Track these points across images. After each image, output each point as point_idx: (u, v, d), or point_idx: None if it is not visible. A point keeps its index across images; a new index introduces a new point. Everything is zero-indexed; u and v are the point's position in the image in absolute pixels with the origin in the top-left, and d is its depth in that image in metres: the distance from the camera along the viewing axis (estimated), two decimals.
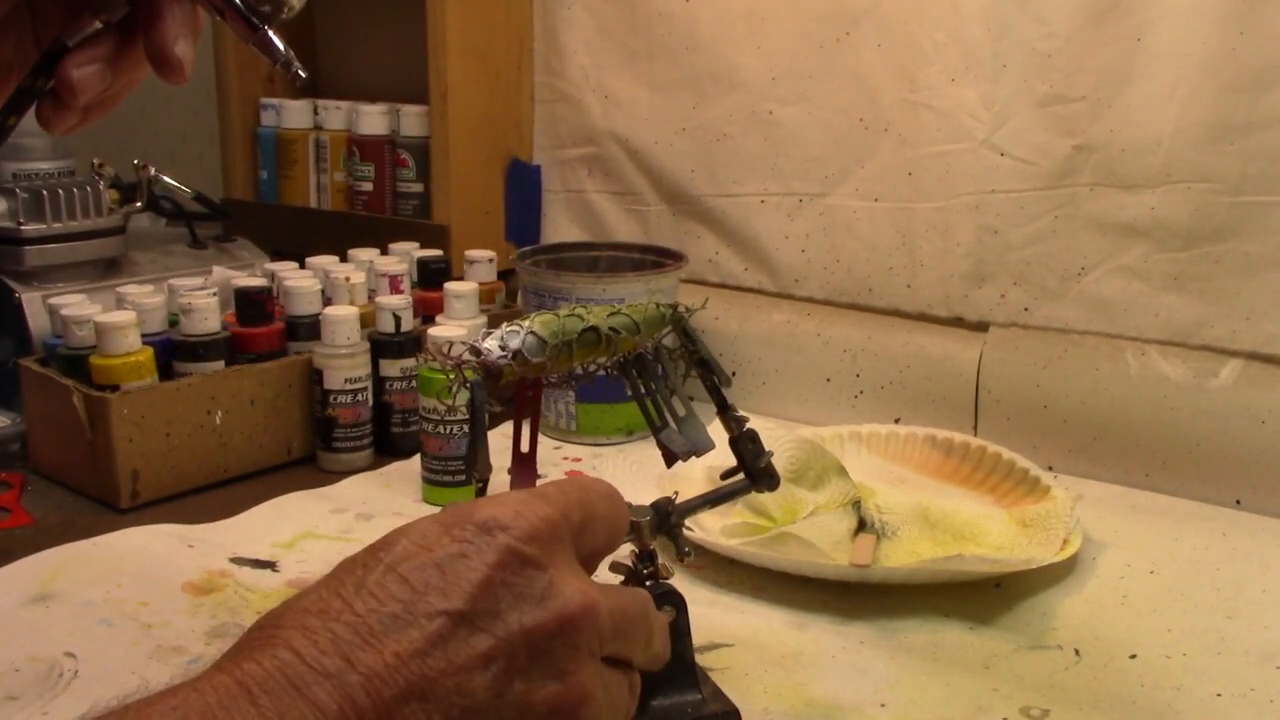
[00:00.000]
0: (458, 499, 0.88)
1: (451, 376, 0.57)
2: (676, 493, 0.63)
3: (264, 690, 0.37)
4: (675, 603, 0.60)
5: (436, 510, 0.83)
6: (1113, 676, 0.67)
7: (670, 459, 0.63)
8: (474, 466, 0.58)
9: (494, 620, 0.40)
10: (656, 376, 0.62)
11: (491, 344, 0.57)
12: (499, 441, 0.63)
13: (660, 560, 0.61)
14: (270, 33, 0.54)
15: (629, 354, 0.62)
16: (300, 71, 0.56)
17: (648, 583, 0.61)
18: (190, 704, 0.36)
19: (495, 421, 1.00)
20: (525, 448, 0.64)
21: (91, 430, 0.88)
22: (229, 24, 0.53)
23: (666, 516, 0.61)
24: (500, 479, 0.63)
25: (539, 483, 0.94)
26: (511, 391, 0.61)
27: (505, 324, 0.58)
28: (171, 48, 0.52)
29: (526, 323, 0.58)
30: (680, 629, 0.61)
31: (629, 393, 0.64)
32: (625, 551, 0.61)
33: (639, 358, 0.62)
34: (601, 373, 0.62)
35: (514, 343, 0.57)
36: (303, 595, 0.41)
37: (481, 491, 0.58)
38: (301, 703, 0.37)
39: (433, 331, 0.94)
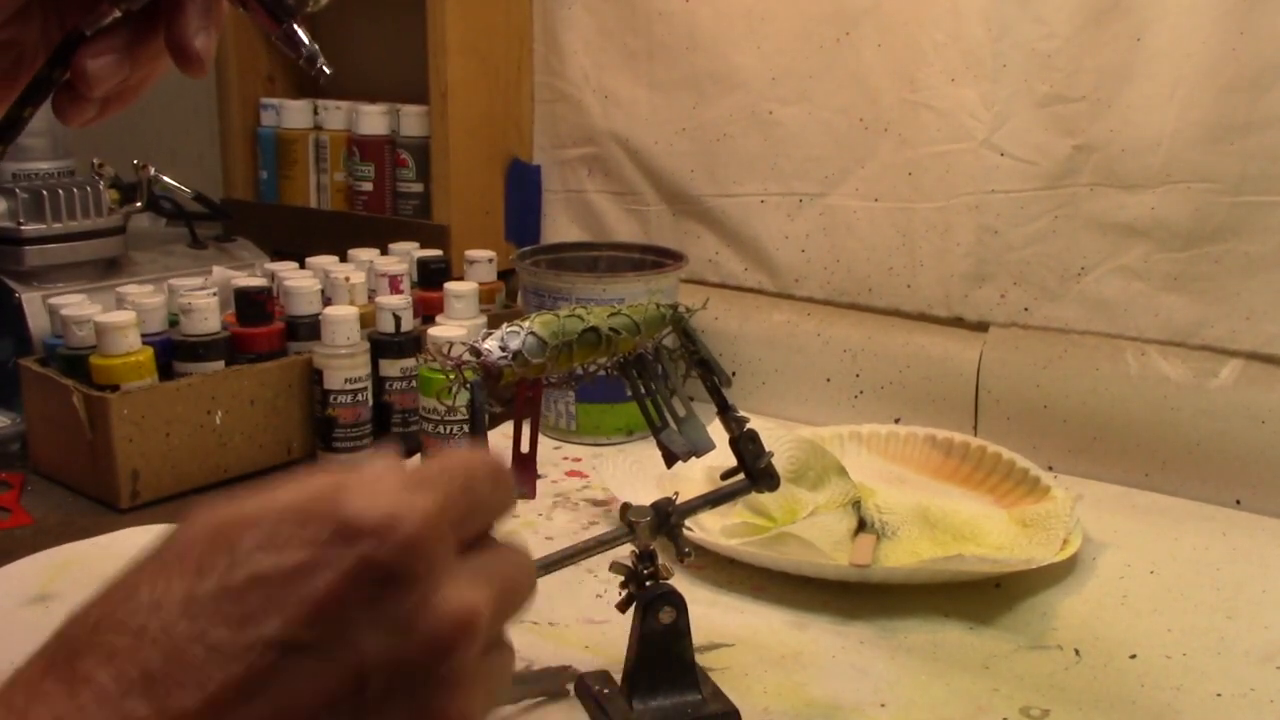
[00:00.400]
0: None
1: (451, 377, 0.57)
2: (676, 493, 0.63)
3: (72, 711, 0.31)
4: (675, 603, 0.60)
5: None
6: (1113, 676, 0.67)
7: (670, 459, 0.63)
8: None
9: (343, 649, 0.33)
10: (657, 377, 0.62)
11: (491, 344, 0.57)
12: (499, 442, 0.63)
13: (660, 560, 0.61)
14: (296, 26, 0.53)
15: (629, 354, 0.62)
16: (325, 68, 0.54)
17: (648, 583, 0.61)
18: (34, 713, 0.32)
19: (495, 422, 1.00)
20: (525, 448, 0.64)
21: (91, 430, 0.88)
22: (252, 16, 0.52)
23: (666, 517, 0.61)
24: None
25: (539, 484, 0.94)
26: (511, 392, 0.61)
27: (505, 324, 0.58)
28: (192, 40, 0.50)
29: (526, 323, 0.58)
30: (680, 629, 0.61)
31: (629, 393, 0.64)
32: (626, 552, 0.61)
33: (639, 358, 0.62)
34: (602, 373, 0.62)
35: (514, 343, 0.57)
36: (124, 588, 0.34)
37: None
38: None
39: (433, 331, 0.94)
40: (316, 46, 0.54)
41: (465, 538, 0.37)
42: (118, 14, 0.52)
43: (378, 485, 0.35)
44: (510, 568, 0.38)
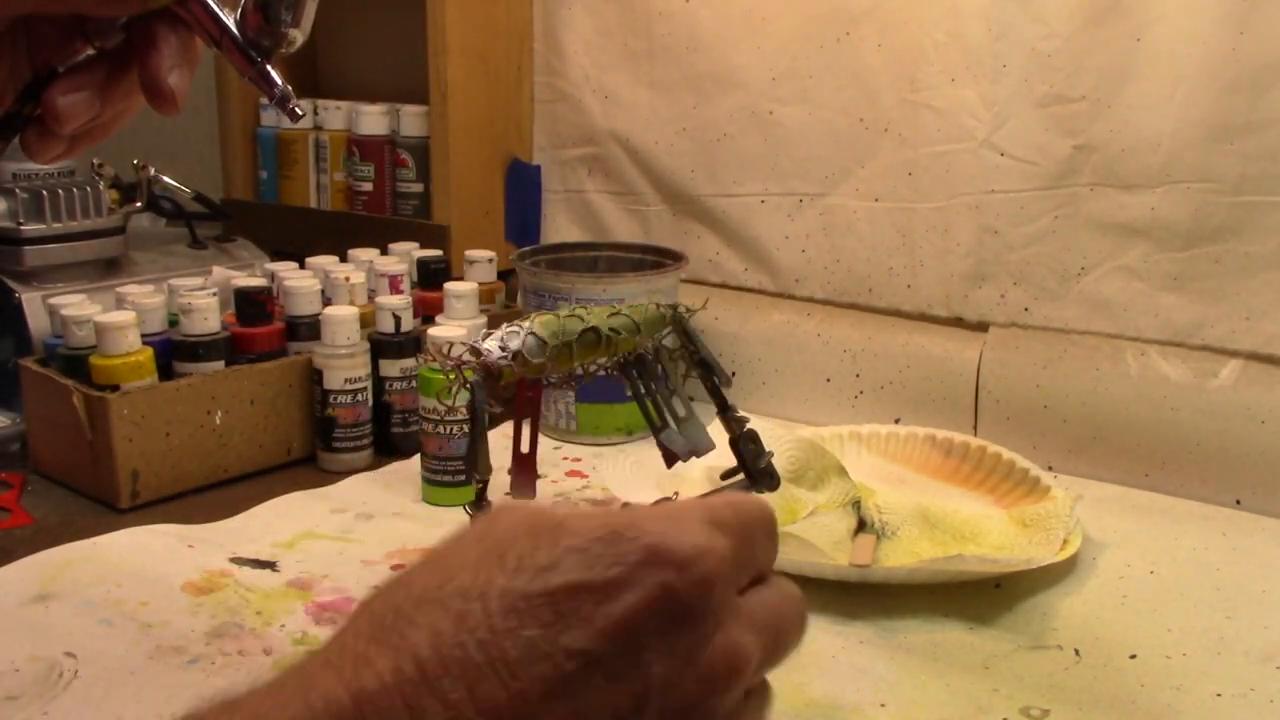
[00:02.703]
0: (457, 499, 0.88)
1: (451, 377, 0.57)
2: (676, 493, 0.63)
3: (375, 710, 0.33)
4: None
5: (436, 509, 0.82)
6: (1113, 676, 0.67)
7: (670, 459, 0.63)
8: (474, 467, 0.58)
9: (632, 669, 0.35)
10: (657, 377, 0.62)
11: (491, 345, 0.57)
12: (499, 442, 0.63)
13: None
14: (268, 68, 0.53)
15: (629, 354, 0.62)
16: (297, 109, 0.54)
17: None
18: (299, 717, 0.33)
19: (495, 422, 1.00)
20: (525, 448, 0.64)
21: (91, 430, 0.88)
22: (226, 56, 0.52)
23: None
24: (501, 480, 0.63)
25: (539, 484, 0.94)
26: (511, 392, 0.61)
27: (505, 325, 0.58)
28: (165, 78, 0.50)
29: (527, 323, 0.58)
30: None
31: (629, 393, 0.64)
32: None
33: (639, 358, 0.62)
34: (602, 373, 0.62)
35: (514, 343, 0.57)
36: (444, 569, 0.36)
37: (481, 492, 0.58)
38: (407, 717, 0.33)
39: (433, 332, 0.94)
40: (289, 89, 0.54)
41: (741, 580, 0.39)
42: (91, 51, 0.52)
43: (684, 521, 0.37)
44: (785, 607, 0.40)
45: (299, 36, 0.53)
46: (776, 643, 0.39)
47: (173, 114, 0.51)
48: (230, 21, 0.52)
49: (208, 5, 0.51)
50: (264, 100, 1.39)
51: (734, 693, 0.37)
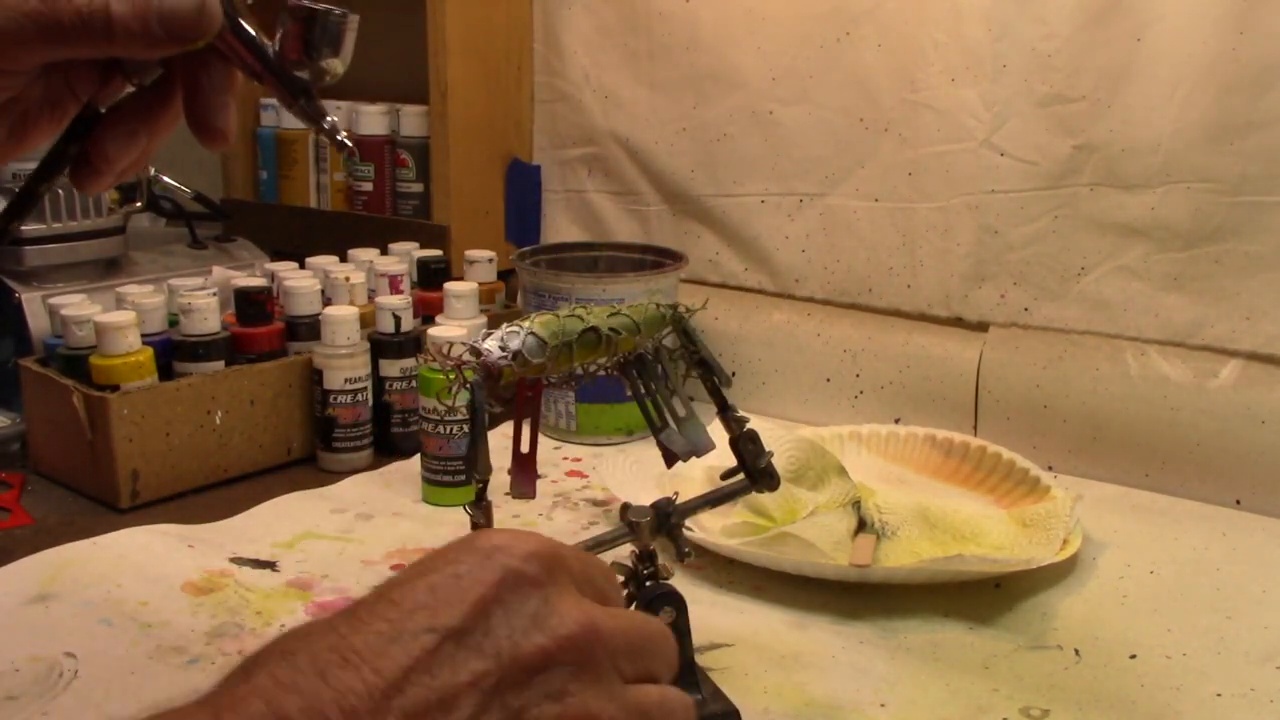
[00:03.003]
0: (457, 499, 0.88)
1: (451, 377, 0.57)
2: (676, 493, 0.63)
3: (234, 710, 0.36)
4: (675, 603, 0.60)
5: (436, 509, 0.83)
6: (1113, 676, 0.67)
7: (670, 459, 0.63)
8: (474, 467, 0.58)
9: (486, 638, 0.39)
10: (657, 377, 0.62)
11: (491, 344, 0.57)
12: (499, 442, 0.63)
13: (661, 561, 0.61)
14: (311, 102, 0.53)
15: (629, 354, 0.62)
16: (346, 140, 0.55)
17: (648, 583, 0.61)
18: None
19: (495, 422, 1.00)
20: (525, 448, 0.64)
21: (91, 430, 0.88)
22: (270, 89, 0.52)
23: (667, 517, 0.61)
24: (501, 480, 0.63)
25: (540, 484, 0.94)
26: (511, 392, 0.61)
27: (505, 324, 0.58)
28: (215, 118, 0.51)
29: (526, 323, 0.58)
30: (680, 629, 0.61)
31: (629, 393, 0.64)
32: (625, 551, 0.61)
33: (639, 358, 0.62)
34: (602, 373, 0.62)
35: (514, 343, 0.57)
36: (293, 629, 0.40)
37: (481, 492, 0.58)
38: (270, 719, 0.35)
39: (433, 331, 0.94)
40: (336, 121, 0.54)
41: (582, 590, 0.43)
42: (131, 88, 0.52)
43: (500, 529, 0.45)
44: (639, 618, 0.45)
45: (340, 66, 0.52)
46: (638, 637, 0.43)
47: (224, 148, 0.52)
48: (270, 53, 0.51)
49: (246, 38, 0.51)
50: (264, 101, 1.39)
51: (595, 654, 0.41)
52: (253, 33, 0.51)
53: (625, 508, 0.62)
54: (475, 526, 0.56)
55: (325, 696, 0.36)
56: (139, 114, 0.52)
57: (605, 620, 0.41)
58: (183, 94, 0.52)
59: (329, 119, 0.54)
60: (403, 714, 0.37)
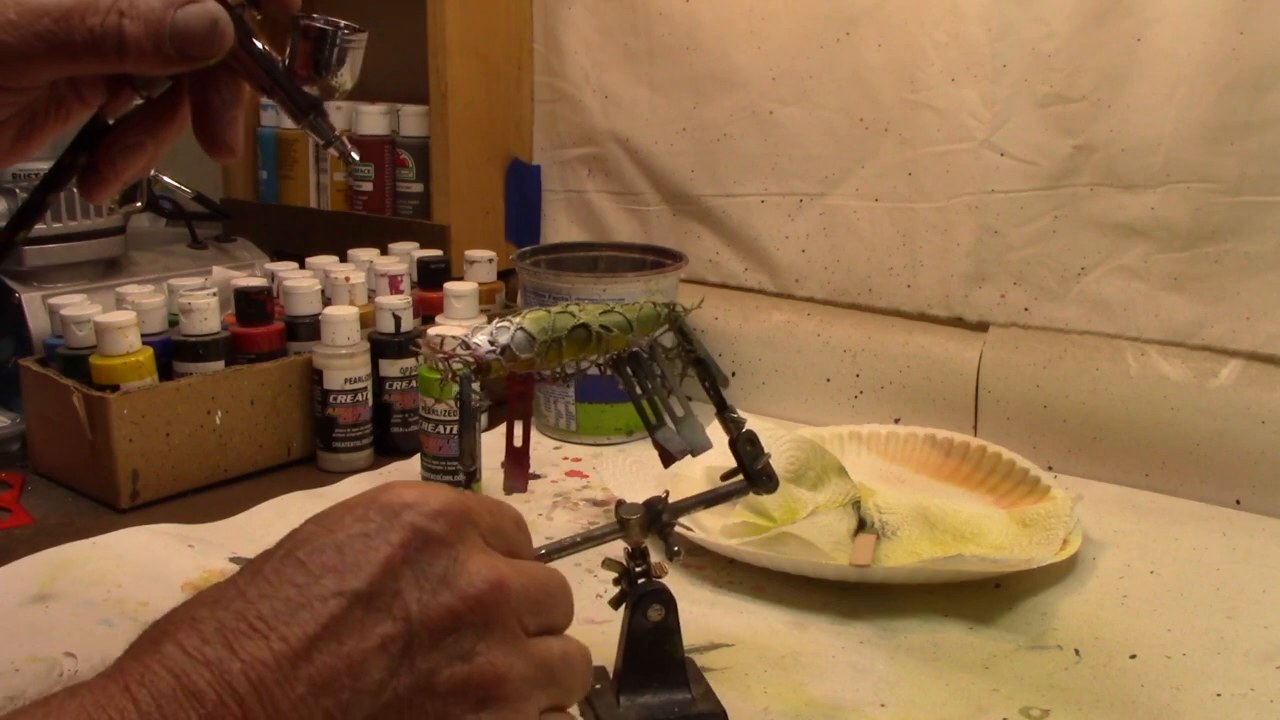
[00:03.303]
0: None
1: (442, 369, 0.57)
2: (667, 492, 0.63)
3: (142, 684, 0.36)
4: (664, 601, 0.60)
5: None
6: (1113, 676, 0.67)
7: (666, 459, 0.63)
8: (460, 457, 0.58)
9: (394, 600, 0.39)
10: (653, 375, 0.62)
11: (481, 339, 0.57)
12: (496, 441, 0.63)
13: (656, 559, 0.61)
14: (320, 118, 0.53)
15: (623, 352, 0.61)
16: (353, 155, 0.55)
17: (640, 580, 0.61)
18: (65, 708, 0.35)
19: (494, 420, 1.00)
20: (518, 442, 0.64)
21: (91, 430, 0.88)
22: (279, 104, 0.53)
23: (658, 515, 0.61)
24: (496, 478, 0.63)
25: (538, 482, 0.94)
26: (502, 387, 0.61)
27: (497, 319, 0.58)
28: (223, 133, 0.51)
29: (517, 319, 0.58)
30: (669, 628, 0.61)
31: (623, 388, 0.64)
32: (620, 550, 0.61)
33: (634, 356, 0.62)
34: (595, 370, 0.62)
35: (503, 338, 0.57)
36: (201, 591, 0.40)
37: (468, 483, 0.58)
38: (180, 693, 0.36)
39: (430, 330, 0.94)
40: (343, 137, 0.54)
41: (491, 544, 0.43)
42: (139, 101, 0.52)
43: (410, 482, 0.43)
44: (542, 571, 0.45)
45: (349, 83, 0.53)
46: (540, 591, 0.43)
47: (231, 162, 0.52)
48: (279, 69, 0.51)
49: (257, 54, 0.51)
50: (265, 101, 1.39)
51: (502, 610, 0.41)
52: (263, 49, 0.51)
53: (619, 505, 0.62)
54: None
55: (233, 668, 0.36)
56: (146, 126, 0.52)
57: (512, 577, 0.42)
58: (191, 108, 0.52)
59: (335, 135, 0.54)
60: (311, 683, 0.37)
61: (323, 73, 0.52)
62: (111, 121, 0.52)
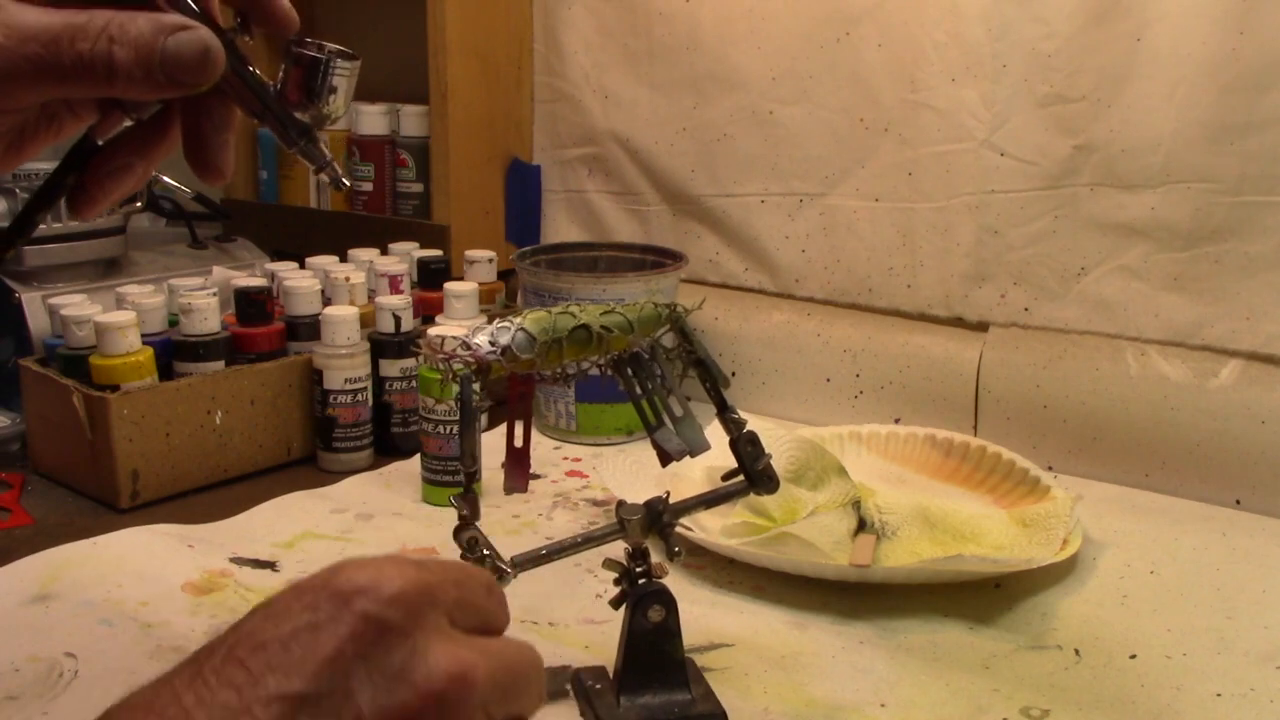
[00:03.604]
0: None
1: (442, 370, 0.57)
2: (668, 492, 0.63)
3: None
4: (665, 602, 0.60)
5: (436, 509, 0.83)
6: (1113, 676, 0.67)
7: (665, 459, 0.63)
8: (460, 457, 0.58)
9: (345, 701, 0.35)
10: (653, 376, 0.62)
11: (481, 339, 0.57)
12: (496, 441, 0.63)
13: (656, 559, 0.61)
14: (311, 144, 0.53)
15: (624, 353, 0.62)
16: (345, 181, 0.55)
17: (640, 580, 0.61)
18: None
19: (495, 421, 1.00)
20: (519, 442, 0.64)
21: (91, 430, 0.88)
22: (270, 129, 0.53)
23: (658, 515, 0.62)
24: (497, 478, 0.63)
25: (538, 482, 0.94)
26: (503, 387, 0.61)
27: (498, 320, 0.58)
28: (214, 157, 0.51)
29: (518, 319, 0.58)
30: (669, 628, 0.61)
31: (623, 388, 0.64)
32: (620, 550, 0.61)
33: (635, 357, 0.62)
34: (595, 371, 0.62)
35: (504, 338, 0.57)
36: (135, 693, 0.36)
37: (468, 484, 0.58)
38: None
39: (431, 330, 0.94)
40: (335, 163, 0.54)
41: (459, 621, 0.39)
42: (129, 123, 0.52)
43: (367, 561, 0.38)
44: (511, 649, 0.41)
45: (341, 109, 0.53)
46: (506, 674, 0.39)
47: (222, 184, 0.52)
48: (271, 94, 0.51)
49: (249, 80, 0.51)
50: None
51: (467, 704, 0.37)
52: (255, 75, 0.51)
53: (619, 505, 0.62)
54: (461, 518, 0.57)
55: None
56: (136, 147, 0.52)
57: (478, 665, 0.38)
58: (182, 130, 0.52)
59: (327, 161, 0.54)
60: None
61: (314, 100, 0.52)
62: (101, 142, 0.52)
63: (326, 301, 1.02)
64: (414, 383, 0.97)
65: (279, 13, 0.51)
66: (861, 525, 0.84)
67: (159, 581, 0.75)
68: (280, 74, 0.52)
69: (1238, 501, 0.90)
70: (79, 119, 0.52)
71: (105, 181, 0.51)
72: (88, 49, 0.44)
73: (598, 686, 0.62)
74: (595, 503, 0.91)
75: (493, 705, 0.39)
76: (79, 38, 0.44)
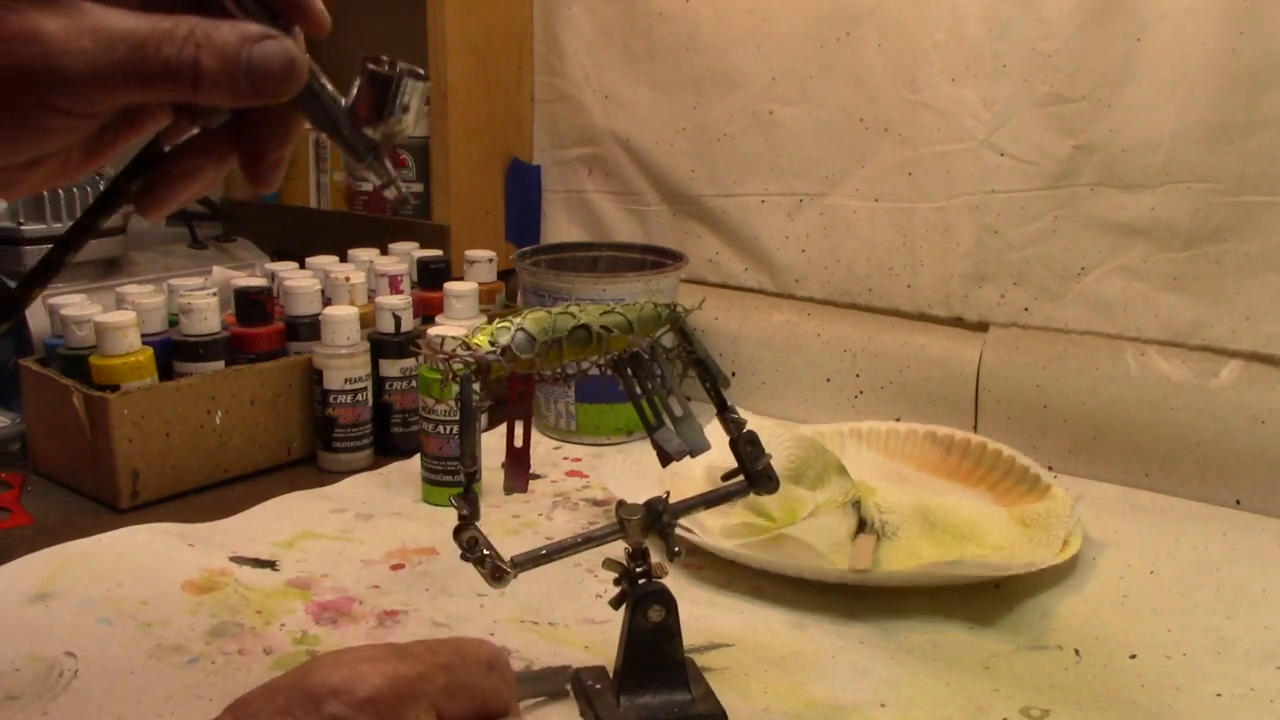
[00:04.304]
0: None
1: (442, 370, 0.57)
2: (668, 492, 0.63)
3: None
4: (665, 602, 0.60)
5: (436, 509, 0.83)
6: (1113, 676, 0.67)
7: (664, 459, 0.63)
8: (460, 458, 0.58)
9: None
10: (653, 376, 0.62)
11: (481, 339, 0.57)
12: (496, 441, 0.63)
13: (656, 560, 0.61)
14: (377, 160, 0.53)
15: (624, 353, 0.61)
16: (402, 191, 0.55)
17: (640, 581, 0.61)
18: None
19: (495, 421, 1.00)
20: (519, 443, 0.64)
21: (91, 430, 0.88)
22: (338, 145, 0.52)
23: (658, 515, 0.62)
24: (497, 478, 0.63)
25: (538, 482, 0.94)
26: (503, 387, 0.61)
27: (497, 320, 0.58)
28: (269, 164, 0.50)
29: (518, 319, 0.58)
30: (669, 628, 0.61)
31: (622, 388, 0.64)
32: (620, 550, 0.61)
33: (635, 356, 0.62)
34: (595, 371, 0.62)
35: (503, 338, 0.57)
36: None
37: (468, 484, 0.58)
38: None
39: (430, 330, 0.94)
40: (398, 177, 0.54)
41: (449, 711, 0.38)
42: (196, 131, 0.52)
43: (345, 657, 0.37)
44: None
45: (410, 127, 0.52)
46: None
47: (270, 191, 0.51)
48: (342, 110, 0.51)
49: (324, 95, 0.51)
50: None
51: None
52: (332, 90, 0.51)
53: (619, 505, 0.62)
54: (461, 518, 0.57)
55: None
56: (203, 153, 0.52)
57: None
58: (242, 138, 0.51)
59: (395, 175, 0.54)
60: None
61: (386, 117, 0.52)
62: (167, 149, 0.52)
63: (326, 301, 1.02)
64: (414, 383, 0.97)
65: (314, 14, 0.51)
66: (862, 525, 0.84)
67: (159, 580, 0.75)
68: (352, 91, 0.52)
69: (1238, 501, 0.90)
70: (157, 122, 0.52)
71: (176, 184, 0.51)
72: (174, 55, 0.44)
73: (598, 686, 0.62)
74: (595, 503, 0.91)
75: None
76: (165, 43, 0.44)
